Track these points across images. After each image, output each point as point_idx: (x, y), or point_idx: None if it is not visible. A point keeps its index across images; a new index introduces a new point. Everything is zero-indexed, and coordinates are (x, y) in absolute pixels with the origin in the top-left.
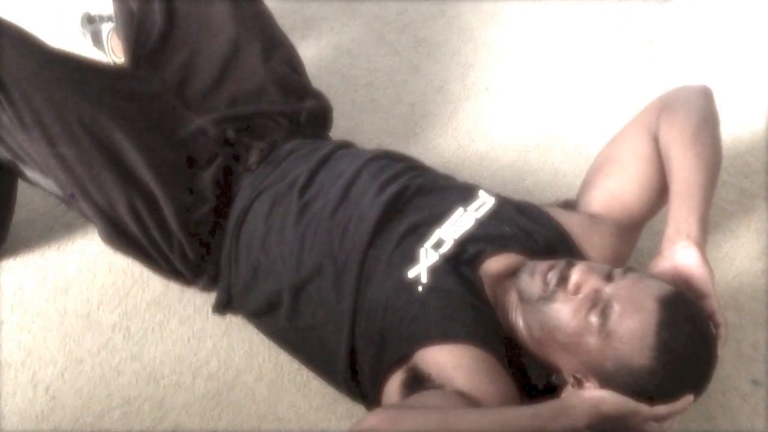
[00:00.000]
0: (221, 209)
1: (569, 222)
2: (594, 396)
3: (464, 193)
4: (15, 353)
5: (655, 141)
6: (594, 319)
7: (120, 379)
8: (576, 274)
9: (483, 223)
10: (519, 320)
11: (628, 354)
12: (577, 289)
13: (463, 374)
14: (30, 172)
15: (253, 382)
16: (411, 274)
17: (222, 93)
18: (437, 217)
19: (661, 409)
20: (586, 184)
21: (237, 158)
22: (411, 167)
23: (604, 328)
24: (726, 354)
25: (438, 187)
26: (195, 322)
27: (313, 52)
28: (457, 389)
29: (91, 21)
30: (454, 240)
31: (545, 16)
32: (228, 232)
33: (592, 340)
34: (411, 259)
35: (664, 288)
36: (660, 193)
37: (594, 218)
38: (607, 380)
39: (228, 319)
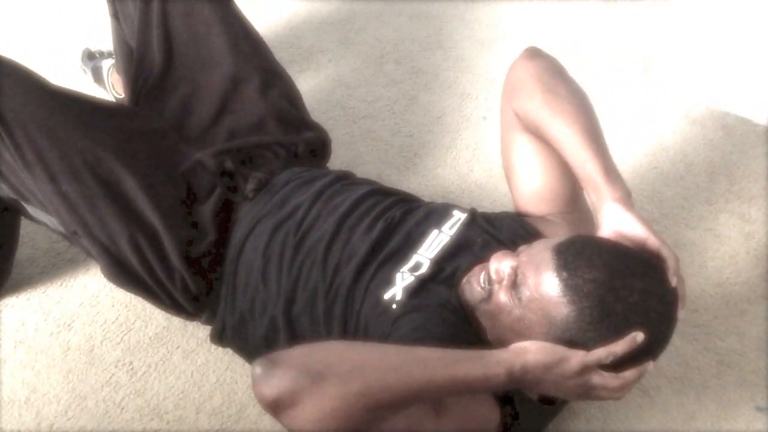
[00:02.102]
0: (221, 241)
1: (537, 224)
2: (516, 345)
3: (439, 214)
4: (19, 391)
5: (527, 131)
6: (513, 292)
7: (124, 415)
8: (492, 262)
9: (457, 239)
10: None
11: (551, 310)
12: (500, 274)
13: None
14: (32, 210)
15: (257, 416)
16: (387, 295)
17: (221, 127)
18: (414, 242)
19: (598, 351)
20: (515, 201)
21: (235, 189)
22: (400, 200)
23: (522, 297)
24: (729, 380)
25: (417, 213)
26: (198, 357)
27: (311, 85)
28: None
29: (91, 57)
30: (430, 260)
31: (540, 45)
32: (227, 263)
33: (519, 313)
34: (388, 282)
35: (560, 238)
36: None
37: (543, 219)
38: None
39: (231, 353)
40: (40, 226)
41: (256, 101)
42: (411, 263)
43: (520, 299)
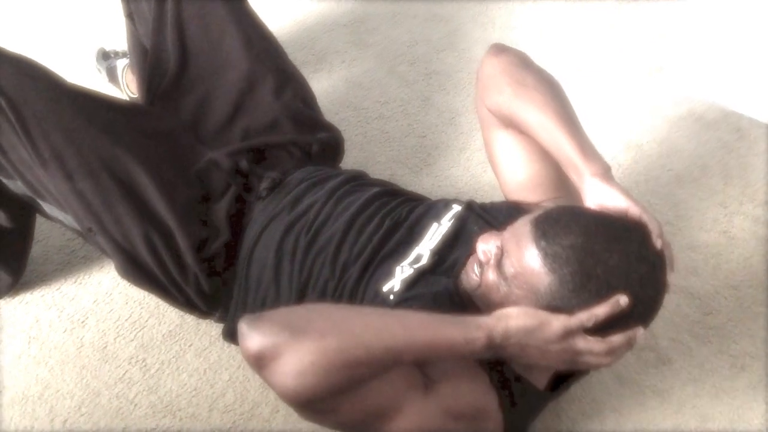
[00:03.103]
0: (234, 240)
1: (532, 209)
2: (499, 311)
3: (438, 208)
4: (32, 387)
5: (504, 126)
6: (499, 270)
7: (137, 412)
8: (479, 244)
9: (454, 230)
10: None
11: (535, 282)
12: (486, 255)
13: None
14: (48, 207)
15: (269, 414)
16: (385, 288)
17: (236, 127)
18: (415, 236)
19: (580, 314)
20: (505, 196)
21: (249, 189)
22: (408, 199)
23: (507, 273)
24: (743, 383)
25: (419, 209)
26: (211, 354)
27: (325, 86)
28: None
29: (106, 57)
30: (430, 251)
31: (553, 47)
32: (240, 261)
33: (506, 289)
34: (388, 275)
35: (539, 211)
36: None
37: (537, 207)
38: None
39: None
40: (55, 223)
41: (270, 102)
42: (412, 257)
43: (505, 276)
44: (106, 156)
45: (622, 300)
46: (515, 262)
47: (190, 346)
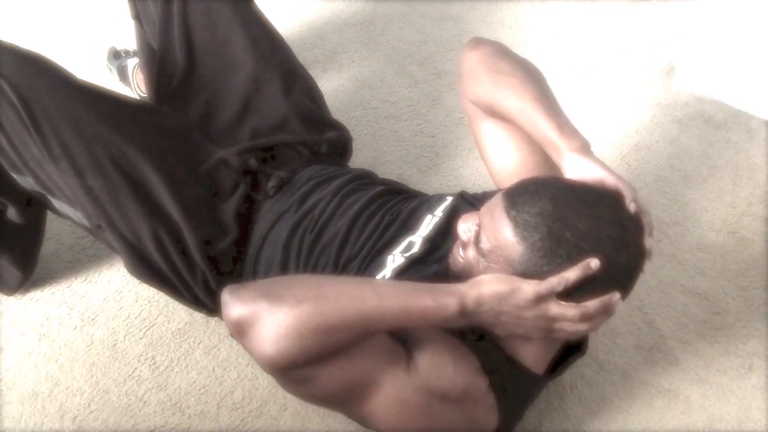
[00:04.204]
0: (242, 238)
1: None
2: (473, 279)
3: (433, 202)
4: (42, 384)
5: (488, 117)
6: (478, 247)
7: (146, 409)
8: (460, 225)
9: (447, 219)
10: None
11: (509, 253)
12: (467, 234)
13: (416, 335)
14: (58, 204)
15: (277, 412)
16: (377, 277)
17: (244, 126)
18: (409, 228)
19: (551, 279)
20: (498, 187)
21: (257, 187)
22: (408, 197)
23: (485, 248)
24: (751, 383)
25: (413, 203)
26: (220, 352)
27: (334, 85)
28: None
29: (117, 56)
30: (422, 239)
31: (562, 47)
32: (248, 259)
33: (484, 264)
34: (380, 266)
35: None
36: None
37: None
38: None
39: None
40: (65, 221)
41: (278, 101)
42: (403, 245)
43: (483, 252)
44: (116, 153)
45: (593, 263)
46: (491, 236)
47: (199, 343)
